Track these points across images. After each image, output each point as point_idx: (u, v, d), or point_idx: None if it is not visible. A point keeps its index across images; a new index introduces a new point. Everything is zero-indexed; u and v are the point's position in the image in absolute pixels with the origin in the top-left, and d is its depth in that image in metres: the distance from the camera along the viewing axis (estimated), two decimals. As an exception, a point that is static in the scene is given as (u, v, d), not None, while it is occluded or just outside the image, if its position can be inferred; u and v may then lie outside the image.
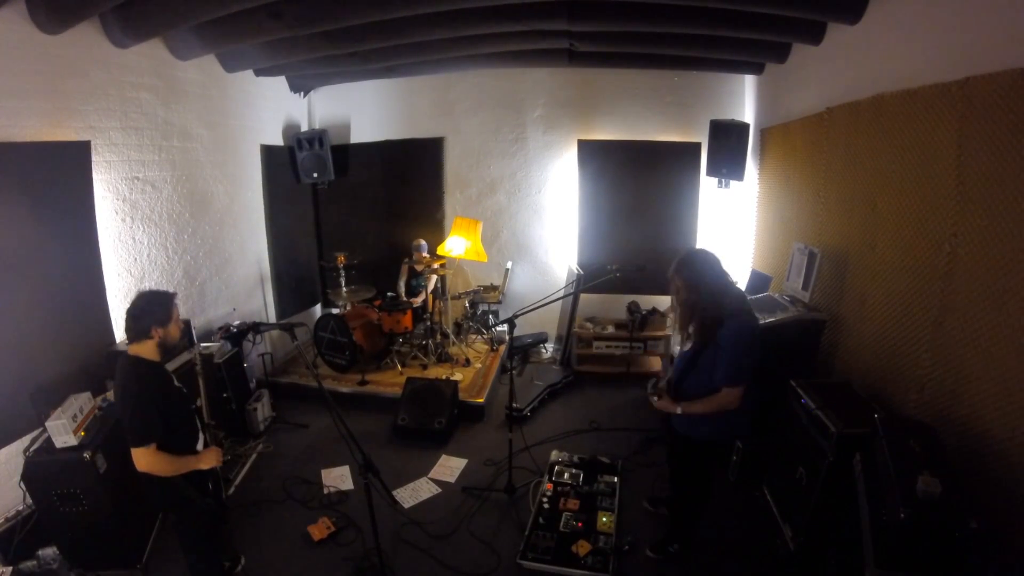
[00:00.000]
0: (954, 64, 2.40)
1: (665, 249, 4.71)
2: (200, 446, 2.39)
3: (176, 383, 2.35)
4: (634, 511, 3.41)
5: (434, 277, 5.55)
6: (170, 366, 3.47)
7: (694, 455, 2.75)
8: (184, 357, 3.70)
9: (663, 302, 5.62)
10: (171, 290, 2.38)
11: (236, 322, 4.74)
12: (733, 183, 5.08)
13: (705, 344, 2.43)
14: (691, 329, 2.50)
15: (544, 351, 6.13)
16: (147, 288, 2.40)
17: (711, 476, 2.83)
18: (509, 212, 6.18)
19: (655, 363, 5.64)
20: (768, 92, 4.96)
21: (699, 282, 2.38)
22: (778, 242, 4.47)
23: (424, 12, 3.71)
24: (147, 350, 2.20)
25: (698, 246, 2.67)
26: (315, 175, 5.80)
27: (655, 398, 2.65)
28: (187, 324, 3.87)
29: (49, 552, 2.90)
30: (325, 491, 3.63)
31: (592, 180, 5.78)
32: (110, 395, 3.36)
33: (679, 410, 2.55)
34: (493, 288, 6.06)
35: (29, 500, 2.84)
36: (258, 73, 5.18)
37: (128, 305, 2.22)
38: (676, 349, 2.65)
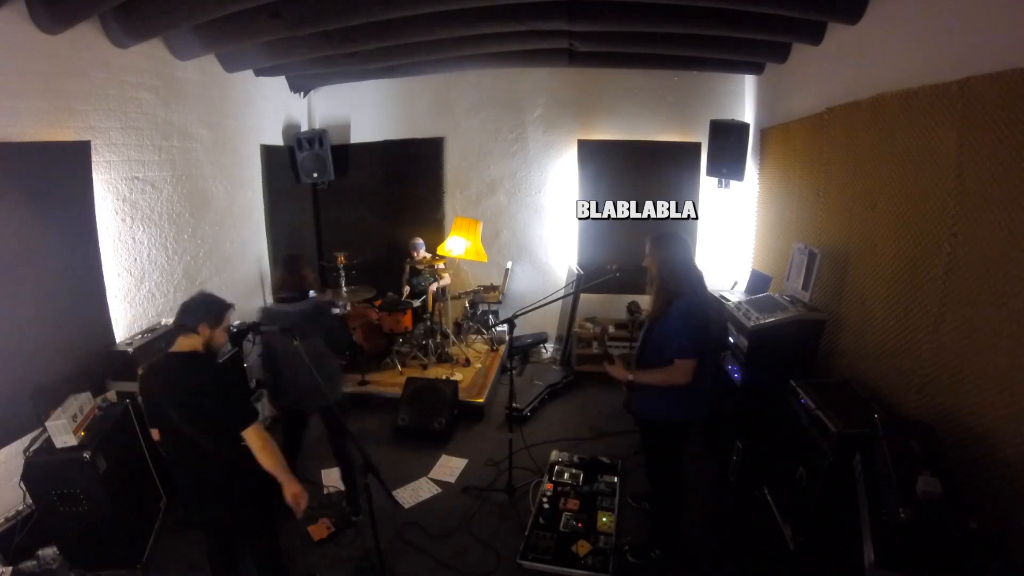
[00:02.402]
0: (954, 64, 2.40)
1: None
2: None
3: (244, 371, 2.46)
4: (634, 511, 3.41)
5: (435, 286, 5.55)
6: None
7: (657, 438, 2.83)
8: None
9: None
10: (231, 302, 2.42)
11: (236, 322, 4.72)
12: (733, 183, 5.09)
13: (657, 317, 2.63)
14: (653, 300, 2.69)
15: (544, 351, 6.13)
16: (206, 291, 2.46)
17: (679, 464, 2.85)
18: (509, 212, 6.18)
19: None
20: (768, 92, 4.96)
21: (665, 257, 2.62)
22: (778, 242, 4.47)
23: (424, 12, 3.71)
24: (194, 344, 2.23)
25: (679, 232, 2.77)
26: (315, 175, 5.80)
27: (608, 364, 2.78)
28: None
29: (49, 552, 2.90)
30: (325, 491, 3.63)
31: (592, 180, 5.78)
32: (110, 395, 3.36)
33: (631, 376, 2.68)
34: (493, 288, 6.06)
35: (29, 500, 2.84)
36: (258, 73, 5.18)
37: (185, 301, 2.31)
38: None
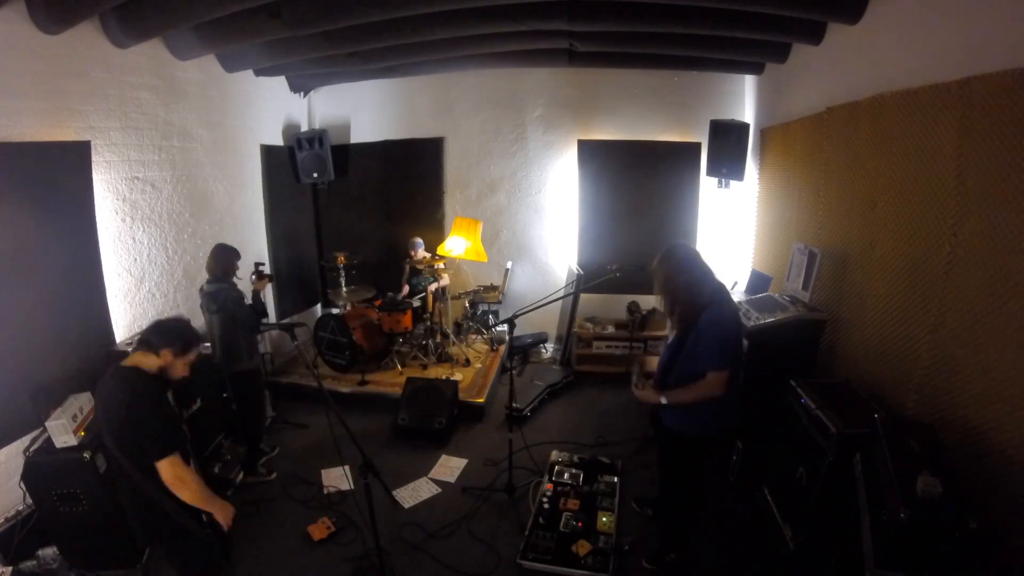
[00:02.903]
0: (954, 64, 2.40)
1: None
2: (192, 466, 2.25)
3: (170, 400, 2.27)
4: (634, 511, 3.41)
5: (434, 285, 5.56)
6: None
7: (684, 452, 2.75)
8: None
9: (663, 302, 5.62)
10: (206, 343, 2.35)
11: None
12: (733, 183, 5.08)
13: (686, 332, 2.50)
14: (674, 319, 2.60)
15: (544, 351, 6.13)
16: (184, 318, 2.36)
17: (703, 476, 2.82)
18: (509, 212, 6.18)
19: (655, 363, 5.62)
20: (768, 92, 4.96)
21: (677, 273, 2.50)
22: (778, 242, 4.47)
23: (424, 12, 3.71)
24: (144, 362, 2.11)
25: (683, 243, 2.71)
26: (315, 175, 5.80)
27: (637, 389, 2.68)
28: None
29: (49, 552, 2.90)
30: (325, 491, 3.63)
31: (592, 180, 5.78)
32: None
33: (663, 400, 2.57)
34: (493, 288, 6.06)
35: (29, 500, 2.84)
36: (258, 73, 5.18)
37: (159, 319, 2.24)
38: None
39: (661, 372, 2.68)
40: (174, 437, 2.06)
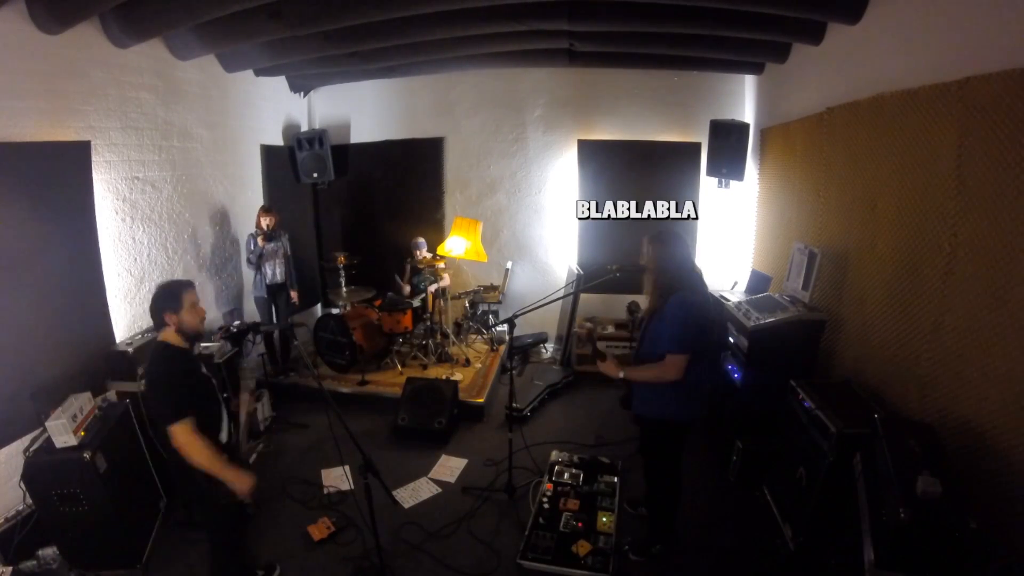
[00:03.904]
0: (954, 64, 2.40)
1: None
2: (224, 435, 2.41)
3: (204, 370, 2.42)
4: (628, 513, 3.41)
5: (434, 286, 5.56)
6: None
7: (654, 438, 2.84)
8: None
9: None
10: (188, 279, 2.46)
11: (236, 322, 4.73)
12: (733, 183, 5.09)
13: (654, 312, 2.64)
14: (652, 295, 2.70)
15: (544, 351, 6.13)
16: (165, 280, 2.52)
17: (677, 464, 2.86)
18: (509, 212, 6.18)
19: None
20: (768, 92, 4.96)
21: (662, 255, 2.62)
22: (778, 242, 4.47)
23: (424, 12, 3.71)
24: (170, 336, 2.30)
25: (675, 230, 2.80)
26: (315, 175, 5.80)
27: (601, 362, 2.78)
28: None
29: (49, 552, 2.90)
30: (325, 491, 3.62)
31: (592, 180, 5.78)
32: (111, 395, 3.36)
33: (621, 374, 2.69)
34: (493, 288, 6.06)
35: (29, 500, 2.83)
36: (258, 73, 5.18)
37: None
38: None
39: (634, 353, 2.82)
40: (188, 403, 2.17)
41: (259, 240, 4.76)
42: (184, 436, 2.13)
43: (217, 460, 2.21)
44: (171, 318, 2.28)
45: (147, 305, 2.39)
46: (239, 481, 2.24)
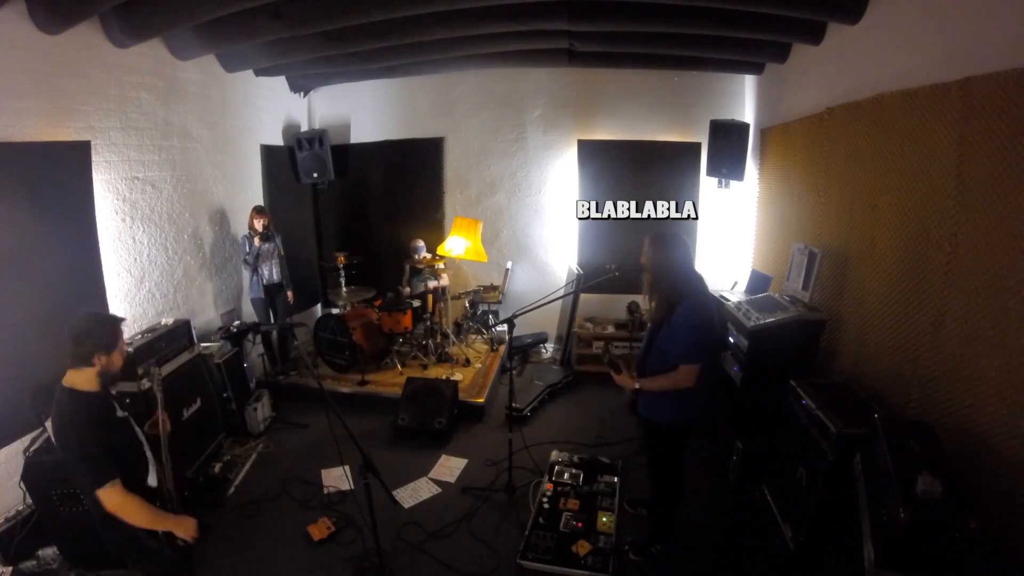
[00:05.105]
0: (954, 64, 2.40)
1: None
2: (152, 479, 2.10)
3: (120, 412, 2.06)
4: (627, 513, 3.41)
5: (433, 283, 5.56)
6: (170, 366, 3.48)
7: (658, 440, 2.83)
8: (184, 357, 3.70)
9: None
10: (119, 315, 2.19)
11: (236, 322, 4.74)
12: (733, 183, 5.09)
13: (661, 322, 2.59)
14: (653, 298, 2.68)
15: (544, 351, 6.13)
16: (91, 310, 2.18)
17: (680, 465, 2.85)
18: (509, 212, 6.18)
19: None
20: (768, 92, 4.96)
21: (663, 257, 2.60)
22: (778, 242, 4.47)
23: (424, 12, 3.71)
24: (84, 380, 1.93)
25: (676, 232, 2.80)
26: (315, 175, 5.80)
27: (616, 374, 2.75)
28: (187, 324, 3.89)
29: (49, 552, 2.90)
30: (325, 491, 3.62)
31: (592, 180, 5.78)
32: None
33: (637, 385, 2.66)
34: (493, 288, 6.06)
35: (29, 500, 2.84)
36: (258, 73, 5.18)
37: (69, 327, 1.97)
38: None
39: (640, 359, 2.78)
40: (109, 464, 1.87)
41: (255, 241, 4.76)
42: (115, 500, 1.86)
43: (156, 515, 1.98)
44: (100, 359, 1.93)
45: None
46: (181, 527, 2.02)
